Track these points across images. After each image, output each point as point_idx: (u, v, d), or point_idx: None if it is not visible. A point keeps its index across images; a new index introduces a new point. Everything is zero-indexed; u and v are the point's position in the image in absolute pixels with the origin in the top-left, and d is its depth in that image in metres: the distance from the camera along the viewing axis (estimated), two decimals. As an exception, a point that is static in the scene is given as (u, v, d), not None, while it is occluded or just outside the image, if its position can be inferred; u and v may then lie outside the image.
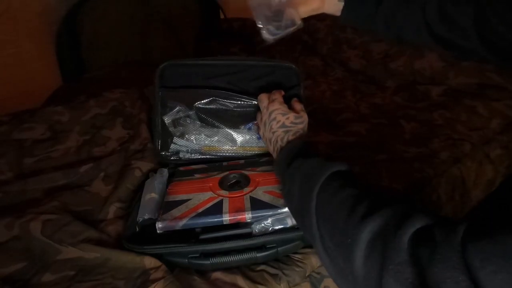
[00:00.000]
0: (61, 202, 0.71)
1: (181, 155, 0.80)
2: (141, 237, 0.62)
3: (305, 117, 0.68)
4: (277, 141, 0.65)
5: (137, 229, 0.63)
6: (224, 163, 0.78)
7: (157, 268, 0.57)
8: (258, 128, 0.74)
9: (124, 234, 0.63)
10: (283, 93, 0.72)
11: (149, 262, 0.58)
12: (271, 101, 0.70)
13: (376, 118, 1.06)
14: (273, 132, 0.66)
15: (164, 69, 0.79)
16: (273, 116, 0.67)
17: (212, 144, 0.80)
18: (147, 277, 0.56)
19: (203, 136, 0.79)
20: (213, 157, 0.80)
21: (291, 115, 0.66)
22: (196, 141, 0.79)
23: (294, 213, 0.55)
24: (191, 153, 0.80)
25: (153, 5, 1.60)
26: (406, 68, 1.26)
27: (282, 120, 0.66)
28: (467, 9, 0.52)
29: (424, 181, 0.83)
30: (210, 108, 0.79)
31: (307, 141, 0.62)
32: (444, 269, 0.31)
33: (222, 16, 1.85)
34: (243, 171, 0.72)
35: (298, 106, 0.70)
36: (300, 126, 0.66)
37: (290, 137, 0.64)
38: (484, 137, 0.95)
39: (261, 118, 0.71)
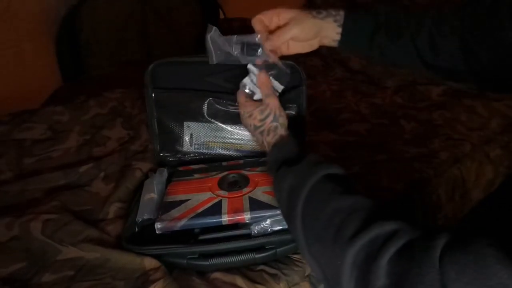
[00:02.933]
0: (61, 202, 0.71)
1: (184, 152, 0.80)
2: (140, 238, 0.62)
3: (271, 103, 0.61)
4: (262, 146, 0.64)
5: (136, 230, 0.63)
6: (224, 163, 0.78)
7: (156, 269, 0.57)
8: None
9: (123, 235, 0.63)
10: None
11: (149, 263, 0.57)
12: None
13: (376, 118, 1.06)
14: (254, 136, 0.65)
15: (154, 69, 0.76)
16: (244, 122, 0.65)
17: (215, 140, 0.80)
18: (146, 278, 0.56)
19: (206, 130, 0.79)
20: (213, 155, 0.80)
21: (256, 112, 0.62)
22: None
23: (286, 222, 0.54)
24: (193, 148, 0.80)
25: (153, 5, 1.60)
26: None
27: (252, 123, 0.63)
28: (453, 40, 0.56)
29: (424, 181, 0.83)
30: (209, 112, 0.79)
31: (289, 140, 0.59)
32: (419, 283, 0.32)
33: (222, 16, 1.84)
34: (242, 171, 0.72)
35: (263, 90, 0.64)
36: (270, 118, 0.61)
37: (267, 138, 0.61)
38: (484, 137, 0.95)
39: None
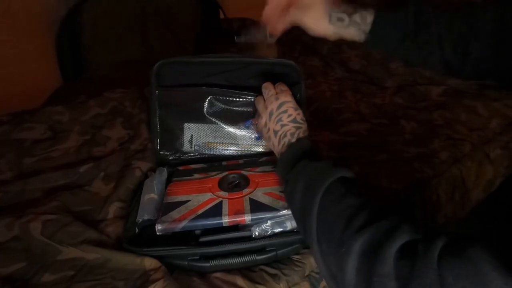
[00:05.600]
0: (61, 202, 0.71)
1: (184, 153, 0.80)
2: (141, 239, 0.62)
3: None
4: (285, 135, 0.62)
5: (137, 230, 0.63)
6: (224, 163, 0.78)
7: (156, 269, 0.57)
8: (257, 117, 0.71)
9: (123, 235, 0.63)
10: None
11: (149, 263, 0.58)
12: (280, 91, 0.66)
13: (376, 118, 1.06)
14: (282, 125, 0.62)
15: (160, 68, 0.78)
16: (284, 108, 0.63)
17: (215, 141, 0.80)
18: (147, 278, 0.56)
19: (207, 131, 0.80)
20: (213, 155, 0.81)
21: (301, 112, 0.64)
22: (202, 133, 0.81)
23: (295, 213, 0.55)
24: (193, 148, 0.80)
25: (153, 4, 1.60)
26: (406, 68, 1.25)
27: (294, 115, 0.63)
28: (485, 41, 0.54)
29: (424, 181, 0.83)
30: (209, 111, 0.79)
31: (312, 143, 0.61)
32: (419, 285, 0.33)
33: (222, 16, 1.84)
34: (242, 171, 0.72)
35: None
36: (306, 124, 0.64)
37: (301, 135, 0.61)
38: (484, 137, 0.95)
39: (265, 106, 0.66)
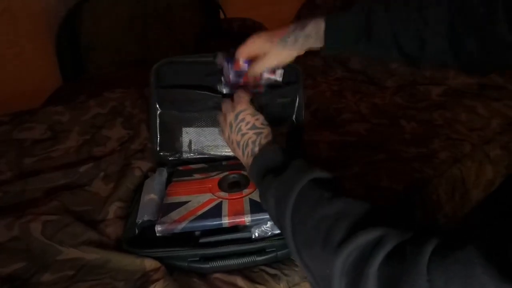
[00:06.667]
0: (61, 202, 0.71)
1: (183, 155, 0.80)
2: (141, 239, 0.62)
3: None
4: (247, 144, 0.59)
5: (137, 231, 0.63)
6: (224, 163, 0.78)
7: (157, 269, 0.57)
8: (221, 131, 0.68)
9: (123, 236, 0.63)
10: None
11: (149, 264, 0.58)
12: (237, 101, 0.64)
13: (376, 118, 1.06)
14: (243, 134, 0.60)
15: (159, 68, 0.76)
16: (241, 116, 0.61)
17: (214, 144, 0.80)
18: (147, 279, 0.56)
19: (205, 135, 0.79)
20: (213, 156, 0.80)
21: (261, 116, 0.62)
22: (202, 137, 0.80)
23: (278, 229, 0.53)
24: (192, 152, 0.80)
25: (153, 5, 1.59)
26: (406, 68, 1.25)
27: (252, 121, 0.61)
28: (440, 30, 0.55)
29: (424, 181, 0.83)
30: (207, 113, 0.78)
31: (278, 147, 0.57)
32: None
33: (222, 16, 1.84)
34: (242, 171, 0.72)
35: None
36: (268, 128, 0.61)
37: (263, 140, 0.58)
38: (484, 137, 0.95)
39: (225, 120, 0.65)
